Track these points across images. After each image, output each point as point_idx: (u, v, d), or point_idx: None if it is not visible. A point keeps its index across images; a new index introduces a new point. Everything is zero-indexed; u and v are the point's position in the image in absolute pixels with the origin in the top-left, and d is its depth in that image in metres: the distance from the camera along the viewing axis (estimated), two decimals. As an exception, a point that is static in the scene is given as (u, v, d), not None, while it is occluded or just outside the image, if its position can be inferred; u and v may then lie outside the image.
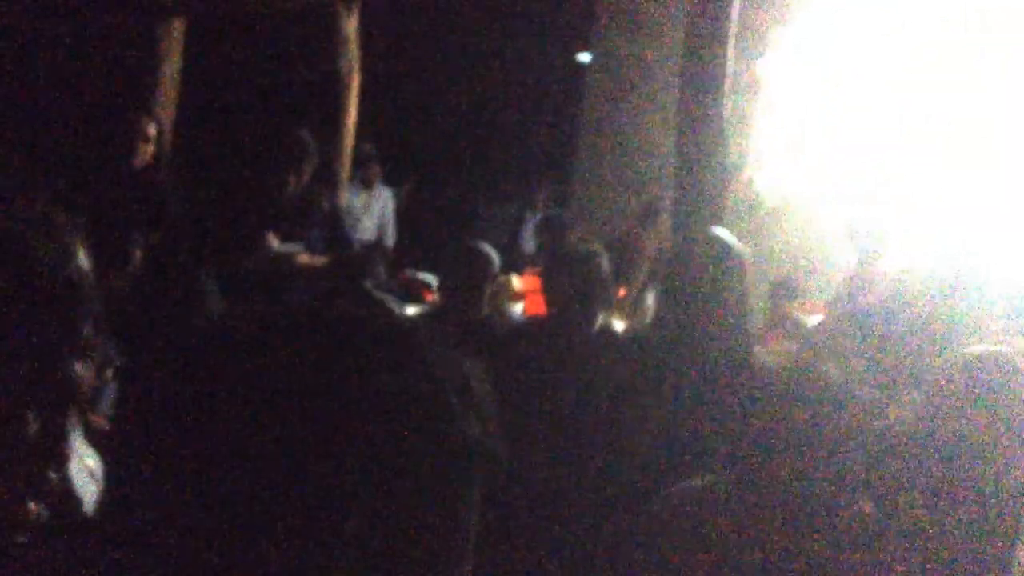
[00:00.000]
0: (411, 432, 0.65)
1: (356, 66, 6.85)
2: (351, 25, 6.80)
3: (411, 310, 4.55)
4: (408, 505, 0.65)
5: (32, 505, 1.00)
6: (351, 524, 0.63)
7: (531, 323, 3.94)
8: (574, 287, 2.88)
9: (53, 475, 1.06)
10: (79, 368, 1.05)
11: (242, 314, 0.72)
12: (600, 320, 2.91)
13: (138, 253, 3.13)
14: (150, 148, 4.32)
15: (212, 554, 0.63)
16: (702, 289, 2.67)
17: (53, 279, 1.07)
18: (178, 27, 6.62)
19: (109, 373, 2.35)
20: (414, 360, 0.68)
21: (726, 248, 2.72)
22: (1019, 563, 2.07)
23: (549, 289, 3.03)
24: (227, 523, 0.63)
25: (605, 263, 2.97)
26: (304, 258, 4.05)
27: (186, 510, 0.64)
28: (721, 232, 2.85)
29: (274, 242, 4.00)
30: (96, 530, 0.73)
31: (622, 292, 5.64)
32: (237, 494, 0.63)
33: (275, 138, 4.11)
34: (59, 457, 1.06)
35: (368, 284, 3.17)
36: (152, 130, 4.36)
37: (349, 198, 7.33)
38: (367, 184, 7.92)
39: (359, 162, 7.67)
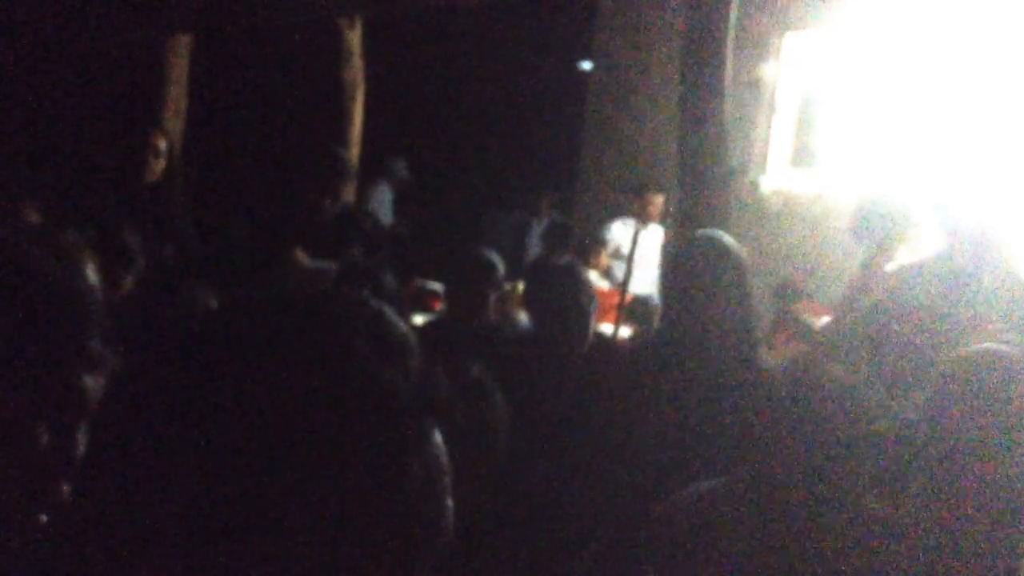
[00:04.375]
0: (321, 384, 0.69)
1: (360, 77, 6.90)
2: (354, 37, 6.85)
3: (419, 319, 4.56)
4: (339, 454, 0.68)
5: (43, 517, 1.02)
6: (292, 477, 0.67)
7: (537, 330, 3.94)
8: (553, 300, 2.89)
9: (65, 487, 1.08)
10: (88, 381, 1.07)
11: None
12: (590, 329, 2.91)
13: (147, 267, 3.15)
14: (160, 162, 4.35)
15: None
16: (702, 292, 2.68)
17: (61, 293, 1.09)
18: (186, 42, 6.67)
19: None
20: (318, 317, 0.72)
21: (724, 250, 2.74)
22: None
23: (528, 303, 3.05)
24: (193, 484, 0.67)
25: (582, 274, 2.99)
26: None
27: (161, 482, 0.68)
28: (718, 234, 2.86)
29: (304, 259, 3.99)
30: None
31: (629, 298, 5.65)
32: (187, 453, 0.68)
33: (310, 155, 4.11)
34: (71, 470, 1.08)
35: (366, 292, 3.19)
36: (162, 144, 4.39)
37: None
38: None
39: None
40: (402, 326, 0.74)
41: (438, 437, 0.73)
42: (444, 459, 0.72)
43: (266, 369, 0.69)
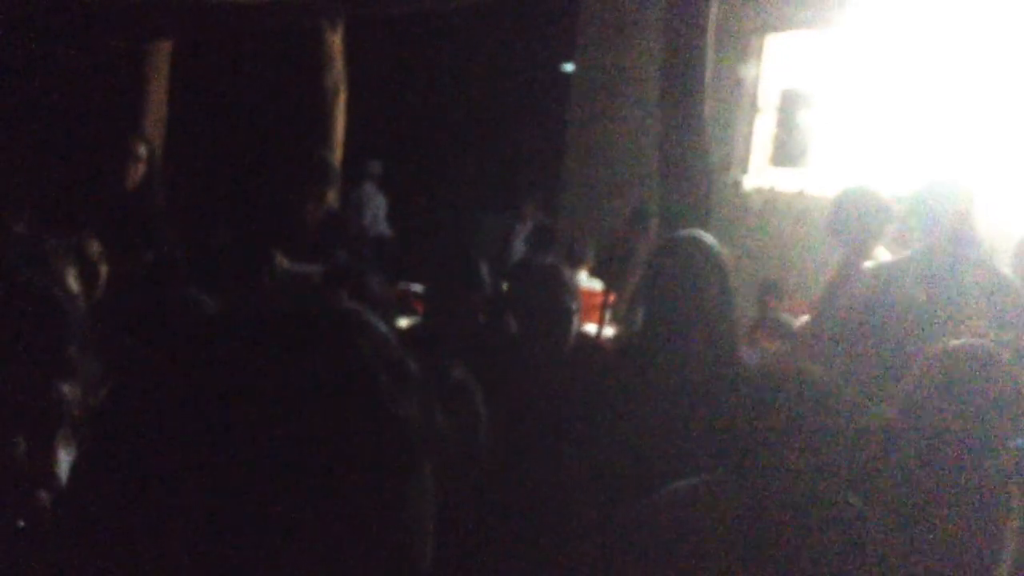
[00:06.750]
0: (341, 412, 0.69)
1: (342, 81, 6.90)
2: (336, 41, 6.85)
3: (404, 322, 4.56)
4: (347, 483, 0.68)
5: (21, 523, 1.03)
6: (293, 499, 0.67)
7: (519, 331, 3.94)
8: (535, 301, 2.89)
9: (44, 495, 1.08)
10: (66, 389, 1.07)
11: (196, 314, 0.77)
12: (572, 329, 2.92)
13: (128, 273, 3.15)
14: (140, 168, 4.35)
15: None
16: (684, 291, 2.70)
17: (40, 302, 1.09)
18: (166, 48, 6.66)
19: (101, 394, 2.37)
20: (342, 346, 0.72)
21: (705, 249, 2.75)
22: (1007, 556, 2.10)
23: (511, 304, 3.06)
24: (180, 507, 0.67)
25: (566, 275, 3.00)
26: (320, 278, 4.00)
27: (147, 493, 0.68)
28: (700, 234, 2.88)
29: (284, 263, 3.97)
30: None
31: (612, 298, 5.67)
32: (184, 478, 0.67)
33: (295, 160, 4.10)
34: (50, 478, 1.09)
35: (345, 296, 3.17)
36: (142, 151, 4.38)
37: None
38: None
39: None
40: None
41: (430, 470, 0.74)
42: (432, 490, 0.74)
43: (280, 388, 0.69)
